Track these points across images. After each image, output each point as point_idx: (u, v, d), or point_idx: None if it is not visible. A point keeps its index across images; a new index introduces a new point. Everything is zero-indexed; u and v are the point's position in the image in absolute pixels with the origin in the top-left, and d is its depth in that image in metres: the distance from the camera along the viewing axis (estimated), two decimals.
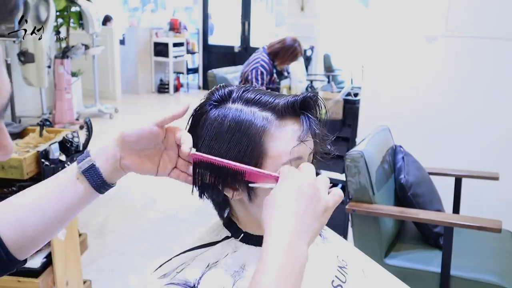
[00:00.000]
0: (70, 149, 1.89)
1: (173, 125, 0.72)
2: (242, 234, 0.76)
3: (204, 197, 0.77)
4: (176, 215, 3.38)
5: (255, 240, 0.76)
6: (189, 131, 0.74)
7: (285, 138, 0.69)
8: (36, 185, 0.71)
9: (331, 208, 0.64)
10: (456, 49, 2.58)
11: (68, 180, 0.70)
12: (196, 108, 0.75)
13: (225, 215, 0.80)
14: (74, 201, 0.70)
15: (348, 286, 0.80)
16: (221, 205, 0.78)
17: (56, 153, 1.80)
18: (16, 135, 1.99)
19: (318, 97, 0.73)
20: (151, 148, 0.71)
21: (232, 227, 0.77)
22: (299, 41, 3.58)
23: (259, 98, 0.71)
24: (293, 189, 0.62)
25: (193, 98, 7.83)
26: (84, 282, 2.18)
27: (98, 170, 0.69)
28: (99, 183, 0.70)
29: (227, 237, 0.76)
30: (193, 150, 0.70)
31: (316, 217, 0.62)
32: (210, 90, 0.76)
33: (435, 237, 1.97)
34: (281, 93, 0.75)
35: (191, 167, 0.72)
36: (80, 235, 2.14)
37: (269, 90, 0.76)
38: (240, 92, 0.72)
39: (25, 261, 0.71)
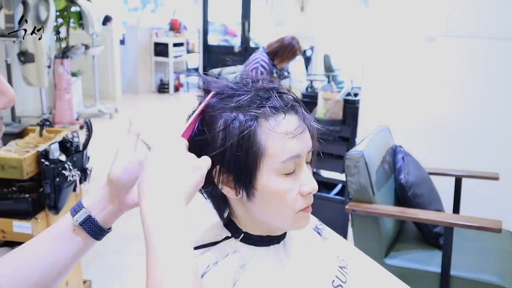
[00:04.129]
0: (70, 149, 1.89)
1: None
2: (242, 234, 0.76)
3: (204, 196, 0.77)
4: None
5: (255, 240, 0.76)
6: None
7: (280, 136, 0.69)
8: (33, 241, 0.71)
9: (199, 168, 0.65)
10: (456, 49, 2.57)
11: (64, 234, 0.70)
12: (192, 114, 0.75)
13: (225, 215, 0.80)
14: (74, 252, 0.71)
15: (349, 286, 0.80)
16: (221, 204, 0.78)
17: (56, 153, 1.80)
18: (16, 135, 1.99)
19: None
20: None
21: (232, 227, 0.77)
22: (298, 39, 3.59)
23: (249, 99, 0.70)
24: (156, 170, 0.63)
25: (194, 98, 7.83)
26: (84, 282, 2.18)
27: (95, 220, 0.71)
28: (97, 231, 0.72)
29: (227, 237, 0.76)
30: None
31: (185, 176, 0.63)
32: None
33: (435, 237, 1.97)
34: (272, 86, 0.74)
35: None
36: None
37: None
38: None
39: None
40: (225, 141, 0.68)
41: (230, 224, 0.78)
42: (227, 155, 0.69)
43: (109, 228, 0.74)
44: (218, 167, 0.70)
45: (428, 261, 1.89)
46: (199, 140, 0.71)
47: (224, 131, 0.68)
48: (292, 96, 0.74)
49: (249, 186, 0.70)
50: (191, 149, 0.69)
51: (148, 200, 0.61)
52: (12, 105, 0.45)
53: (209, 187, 0.74)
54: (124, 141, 0.73)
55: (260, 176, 0.69)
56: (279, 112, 0.70)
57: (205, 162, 0.66)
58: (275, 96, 0.71)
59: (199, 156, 0.68)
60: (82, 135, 1.96)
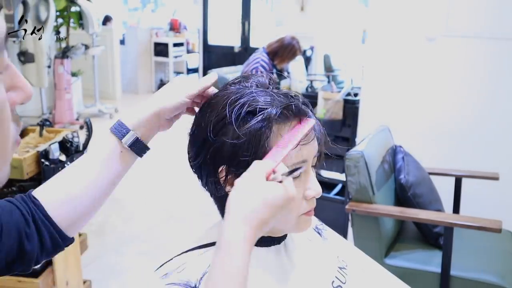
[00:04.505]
0: (70, 149, 1.89)
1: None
2: None
3: (206, 190, 0.77)
4: (176, 215, 3.38)
5: (257, 241, 0.76)
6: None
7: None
8: (79, 164, 0.74)
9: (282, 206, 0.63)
10: (456, 49, 2.57)
11: (111, 156, 0.73)
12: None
13: None
14: (119, 172, 0.74)
15: (348, 286, 0.80)
16: (222, 202, 0.78)
17: (56, 153, 1.80)
18: None
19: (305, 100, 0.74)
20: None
21: None
22: (298, 39, 3.59)
23: (257, 103, 0.70)
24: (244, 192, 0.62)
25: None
26: (84, 282, 2.18)
27: (141, 141, 0.74)
28: (143, 151, 0.75)
29: None
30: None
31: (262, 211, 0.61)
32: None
33: (435, 237, 1.97)
34: (280, 91, 0.74)
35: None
36: (80, 235, 2.14)
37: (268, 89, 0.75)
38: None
39: (73, 239, 0.74)
40: (232, 139, 0.68)
41: None
42: (234, 155, 0.68)
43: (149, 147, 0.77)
44: (225, 166, 0.70)
45: (428, 261, 1.89)
46: (207, 135, 0.70)
47: (232, 130, 0.68)
48: (305, 102, 0.73)
49: None
50: (202, 147, 0.70)
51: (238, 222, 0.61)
52: (29, 100, 0.45)
53: (215, 186, 0.74)
54: (191, 84, 0.75)
55: None
56: (291, 117, 0.70)
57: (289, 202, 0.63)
58: (289, 101, 0.71)
59: (209, 154, 0.69)
60: (82, 135, 1.96)
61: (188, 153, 0.76)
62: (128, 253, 2.82)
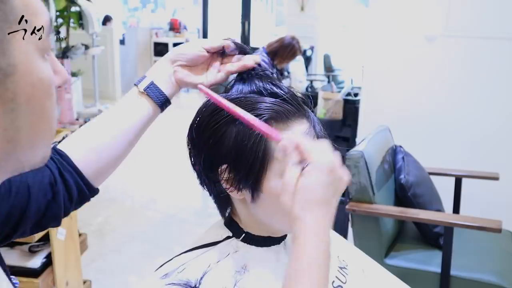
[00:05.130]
0: None
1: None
2: (244, 234, 0.76)
3: (205, 190, 0.77)
4: (176, 215, 3.38)
5: (256, 241, 0.76)
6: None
7: None
8: (103, 113, 0.77)
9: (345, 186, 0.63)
10: (456, 49, 2.57)
11: (131, 101, 0.76)
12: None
13: (227, 214, 0.80)
14: (142, 119, 0.76)
15: (348, 286, 0.80)
16: (223, 202, 0.78)
17: None
18: None
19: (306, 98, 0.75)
20: (199, 65, 0.79)
21: (233, 227, 0.77)
22: (298, 39, 3.59)
23: (260, 100, 0.71)
24: (324, 178, 0.59)
25: (194, 98, 7.82)
26: (84, 282, 2.18)
27: (157, 86, 0.76)
28: (160, 98, 0.76)
29: (228, 237, 0.76)
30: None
31: (338, 196, 0.62)
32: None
33: (435, 237, 1.97)
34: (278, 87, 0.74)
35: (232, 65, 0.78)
36: (80, 235, 2.14)
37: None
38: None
39: (98, 189, 0.76)
40: (236, 140, 0.68)
41: (231, 224, 0.78)
42: (234, 154, 0.69)
43: (170, 102, 0.79)
44: (225, 166, 0.70)
45: (428, 261, 1.89)
46: (209, 135, 0.71)
47: (234, 131, 0.68)
48: (305, 100, 0.74)
49: (254, 188, 0.70)
50: (203, 145, 0.71)
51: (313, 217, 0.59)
52: (65, 84, 0.49)
53: (215, 186, 0.74)
54: (210, 39, 0.78)
55: (266, 179, 0.69)
56: (291, 117, 0.70)
57: (347, 182, 0.63)
58: (288, 100, 0.71)
59: (211, 154, 0.70)
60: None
61: (189, 153, 0.76)
62: (128, 253, 2.82)
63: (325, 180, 0.59)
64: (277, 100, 0.71)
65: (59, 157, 0.70)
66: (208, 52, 0.77)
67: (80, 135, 0.75)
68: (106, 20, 7.30)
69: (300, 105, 0.73)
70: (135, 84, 0.77)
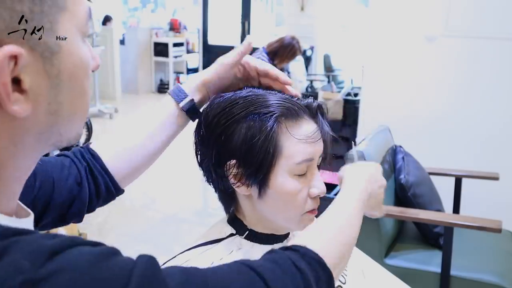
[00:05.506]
0: (70, 149, 1.89)
1: (244, 60, 0.80)
2: (247, 232, 0.76)
3: (210, 185, 0.78)
4: (176, 215, 3.38)
5: (260, 238, 0.76)
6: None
7: (300, 138, 0.70)
8: (139, 120, 0.80)
9: (381, 198, 0.79)
10: (456, 49, 2.57)
11: (169, 118, 0.78)
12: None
13: (231, 210, 0.80)
14: (173, 133, 0.80)
15: (348, 287, 0.80)
16: (228, 199, 0.78)
17: (55, 153, 1.80)
18: None
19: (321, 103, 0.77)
20: (234, 81, 0.81)
21: (237, 224, 0.78)
22: (298, 39, 3.59)
23: (271, 98, 0.72)
24: (370, 171, 0.78)
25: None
26: None
27: (196, 106, 0.79)
28: (196, 115, 0.79)
29: (231, 234, 0.77)
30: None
31: (373, 197, 0.76)
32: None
33: (435, 237, 1.97)
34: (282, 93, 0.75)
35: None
36: (80, 235, 2.14)
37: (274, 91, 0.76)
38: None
39: (123, 190, 0.80)
40: (246, 137, 0.69)
41: (235, 221, 0.78)
42: (244, 150, 0.69)
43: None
44: (234, 161, 0.71)
45: (428, 261, 1.89)
46: (220, 132, 0.71)
47: (245, 127, 0.69)
48: (315, 102, 0.75)
49: (261, 184, 0.70)
50: (214, 142, 0.72)
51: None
52: (97, 69, 0.53)
53: (222, 181, 0.74)
54: (230, 53, 0.79)
55: (274, 175, 0.70)
56: (301, 114, 0.72)
57: (383, 195, 0.80)
58: (299, 99, 0.73)
59: (220, 150, 0.71)
60: (82, 135, 1.96)
61: (196, 150, 0.76)
62: (128, 253, 2.81)
63: (371, 172, 0.78)
64: (287, 96, 0.73)
65: (91, 157, 0.75)
66: (232, 66, 0.79)
67: (116, 138, 0.79)
68: (106, 20, 7.30)
69: (309, 105, 0.74)
70: (172, 96, 0.79)
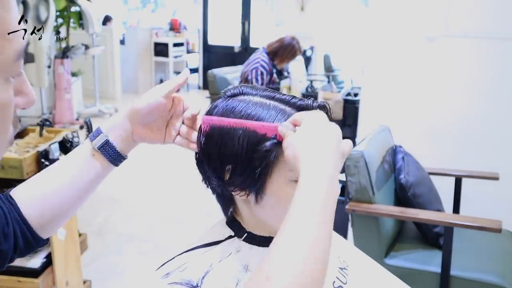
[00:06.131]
0: (70, 149, 1.89)
1: (176, 95, 0.76)
2: (246, 234, 0.76)
3: (208, 188, 0.77)
4: (176, 215, 3.38)
5: (258, 240, 0.76)
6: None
7: None
8: (54, 165, 0.75)
9: (346, 155, 0.64)
10: (456, 49, 2.58)
11: (84, 158, 0.73)
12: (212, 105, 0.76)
13: (229, 213, 0.80)
14: (92, 177, 0.73)
15: (349, 287, 0.80)
16: (226, 201, 0.78)
17: (56, 153, 1.80)
18: (16, 135, 1.99)
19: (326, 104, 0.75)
20: (159, 119, 0.75)
21: (235, 226, 0.78)
22: (298, 39, 3.59)
23: (274, 95, 0.72)
24: (322, 129, 0.63)
25: (194, 98, 7.82)
26: (84, 282, 2.18)
27: (112, 145, 0.73)
28: (114, 156, 0.73)
29: (230, 237, 0.77)
30: (202, 113, 0.74)
31: (340, 157, 0.63)
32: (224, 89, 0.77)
33: (435, 237, 1.97)
34: (284, 93, 0.75)
35: (193, 134, 0.75)
36: (80, 235, 2.14)
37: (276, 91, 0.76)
38: (257, 89, 0.74)
39: (47, 240, 0.74)
40: (242, 142, 0.69)
41: (233, 223, 0.78)
42: (241, 156, 0.69)
43: (126, 156, 0.75)
44: (230, 166, 0.70)
45: (428, 261, 1.89)
46: (217, 138, 0.71)
47: (242, 133, 0.69)
48: (320, 102, 0.74)
49: (258, 189, 0.70)
50: (213, 147, 0.71)
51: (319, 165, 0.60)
52: (31, 106, 0.50)
53: (218, 185, 0.74)
54: (164, 83, 0.75)
55: (271, 181, 0.70)
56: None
57: (348, 150, 0.65)
58: (296, 104, 0.72)
59: (214, 153, 0.70)
60: (82, 135, 1.96)
61: (196, 154, 0.76)
62: (128, 253, 2.82)
63: (316, 129, 0.63)
64: (286, 96, 0.73)
65: (9, 205, 0.70)
66: (166, 97, 0.74)
67: (32, 184, 0.74)
68: (106, 20, 7.30)
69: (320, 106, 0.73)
70: (88, 137, 0.74)
